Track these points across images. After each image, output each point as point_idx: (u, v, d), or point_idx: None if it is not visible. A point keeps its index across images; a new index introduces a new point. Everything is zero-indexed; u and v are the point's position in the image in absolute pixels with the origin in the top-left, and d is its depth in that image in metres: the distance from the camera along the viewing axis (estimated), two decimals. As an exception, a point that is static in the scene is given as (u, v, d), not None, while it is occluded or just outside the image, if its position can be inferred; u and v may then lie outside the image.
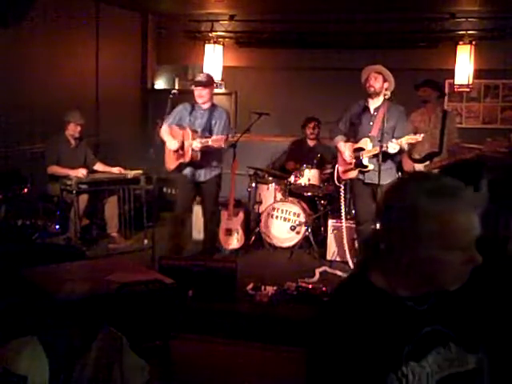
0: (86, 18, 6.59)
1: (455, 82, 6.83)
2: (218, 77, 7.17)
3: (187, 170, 5.03)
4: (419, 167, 5.20)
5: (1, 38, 5.35)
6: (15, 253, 3.80)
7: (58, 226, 5.44)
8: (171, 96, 4.81)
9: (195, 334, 3.81)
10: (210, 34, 7.35)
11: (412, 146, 4.73)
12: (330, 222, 5.59)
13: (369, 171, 4.70)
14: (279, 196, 6.00)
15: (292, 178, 5.88)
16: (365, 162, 4.69)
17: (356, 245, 5.25)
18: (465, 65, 6.73)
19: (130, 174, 5.72)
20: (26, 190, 5.16)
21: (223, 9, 7.14)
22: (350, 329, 1.23)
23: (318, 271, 5.02)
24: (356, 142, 4.81)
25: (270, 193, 6.07)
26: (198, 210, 5.64)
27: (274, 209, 5.83)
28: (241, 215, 5.77)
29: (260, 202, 6.00)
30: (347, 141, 4.90)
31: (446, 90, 6.82)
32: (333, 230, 5.56)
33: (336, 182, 5.17)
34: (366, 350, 1.20)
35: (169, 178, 6.37)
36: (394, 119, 4.64)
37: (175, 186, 6.47)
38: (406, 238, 1.22)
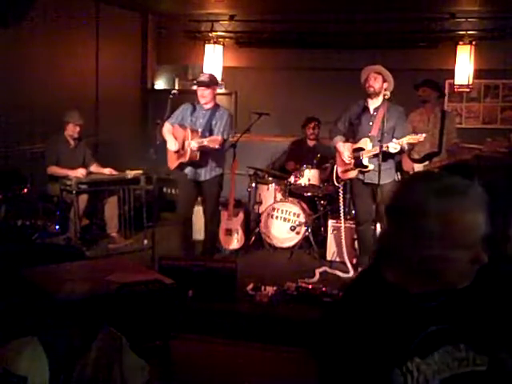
0: (86, 18, 6.59)
1: (455, 82, 6.83)
2: (217, 77, 7.16)
3: (188, 170, 5.04)
4: (419, 167, 5.20)
5: (1, 38, 5.36)
6: (15, 253, 3.80)
7: (57, 226, 5.44)
8: (171, 96, 4.81)
9: (195, 334, 3.81)
10: (210, 34, 7.36)
11: (412, 146, 4.73)
12: (330, 223, 5.59)
13: (369, 171, 4.70)
14: (279, 196, 6.00)
15: (292, 178, 5.87)
16: (365, 161, 4.69)
17: (356, 245, 5.25)
18: (465, 65, 6.73)
19: (130, 174, 5.72)
20: (25, 190, 5.16)
21: (223, 9, 7.14)
22: (361, 322, 1.25)
23: (317, 271, 5.02)
24: (355, 142, 4.81)
25: (269, 193, 6.06)
26: (198, 211, 5.64)
27: (273, 209, 5.83)
28: (241, 215, 5.77)
29: (260, 203, 6.00)
30: (346, 141, 4.90)
31: (446, 91, 6.82)
32: (333, 231, 5.56)
33: (335, 182, 5.17)
34: (374, 342, 1.22)
35: (169, 178, 6.38)
36: (394, 119, 4.64)
37: (175, 186, 6.48)
38: (414, 237, 1.23)
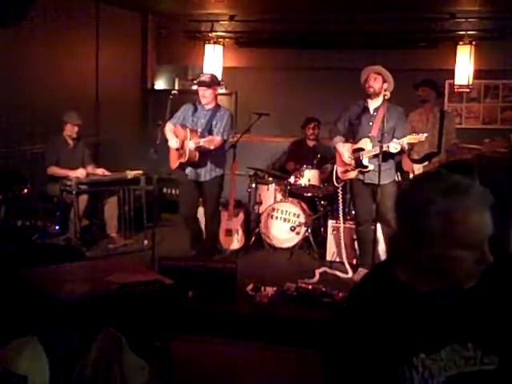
0: (86, 18, 6.60)
1: (455, 83, 6.83)
2: (218, 77, 7.17)
3: (188, 170, 5.04)
4: (418, 167, 5.20)
5: (1, 38, 5.36)
6: (15, 253, 3.80)
7: (57, 227, 5.45)
8: (171, 97, 4.81)
9: (195, 335, 3.81)
10: (210, 34, 7.36)
11: (412, 146, 4.73)
12: (330, 223, 5.59)
13: (369, 171, 4.70)
14: (279, 196, 6.00)
15: (292, 179, 5.87)
16: (365, 162, 4.69)
17: (356, 245, 5.25)
18: (465, 65, 6.73)
19: (130, 174, 5.71)
20: (25, 190, 5.16)
21: (223, 9, 7.14)
22: (371, 319, 1.28)
23: (317, 272, 5.02)
24: (355, 142, 4.81)
25: (269, 193, 6.06)
26: (198, 211, 5.63)
27: (273, 209, 5.83)
28: (241, 216, 5.77)
29: (260, 203, 6.00)
30: (346, 141, 4.90)
31: (446, 91, 6.83)
32: (333, 231, 5.56)
33: (334, 182, 5.17)
34: (384, 339, 1.25)
35: (169, 178, 6.37)
36: (394, 120, 4.64)
37: (175, 187, 6.48)
38: (421, 236, 1.25)
